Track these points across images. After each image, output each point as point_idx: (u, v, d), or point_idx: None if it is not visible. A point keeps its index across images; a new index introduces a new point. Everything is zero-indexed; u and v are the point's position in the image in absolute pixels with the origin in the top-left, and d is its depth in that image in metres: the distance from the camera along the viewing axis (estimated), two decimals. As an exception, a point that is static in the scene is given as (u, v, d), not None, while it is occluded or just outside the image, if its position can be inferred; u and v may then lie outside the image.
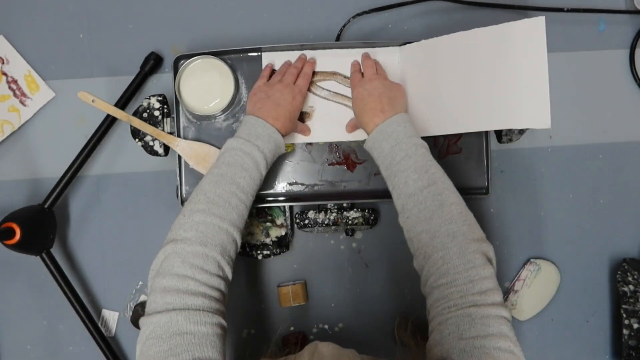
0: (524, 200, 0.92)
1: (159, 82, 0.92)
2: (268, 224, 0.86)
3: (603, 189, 0.92)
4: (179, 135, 0.80)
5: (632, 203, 0.92)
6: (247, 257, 0.86)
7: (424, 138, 0.67)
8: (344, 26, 0.88)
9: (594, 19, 0.93)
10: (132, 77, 0.88)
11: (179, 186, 0.80)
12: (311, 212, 0.83)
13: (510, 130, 0.80)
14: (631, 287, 0.87)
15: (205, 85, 0.78)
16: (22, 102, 0.92)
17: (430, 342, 0.54)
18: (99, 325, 0.87)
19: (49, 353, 0.91)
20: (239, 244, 0.63)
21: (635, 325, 0.86)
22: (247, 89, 0.80)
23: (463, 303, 0.52)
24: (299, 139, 0.80)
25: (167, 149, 0.81)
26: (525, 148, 0.92)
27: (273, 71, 0.78)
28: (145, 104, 0.80)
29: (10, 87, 0.92)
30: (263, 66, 0.79)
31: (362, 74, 0.76)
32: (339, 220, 0.82)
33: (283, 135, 0.70)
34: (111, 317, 0.91)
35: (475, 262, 0.55)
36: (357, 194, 0.80)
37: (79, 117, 0.92)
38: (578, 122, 0.93)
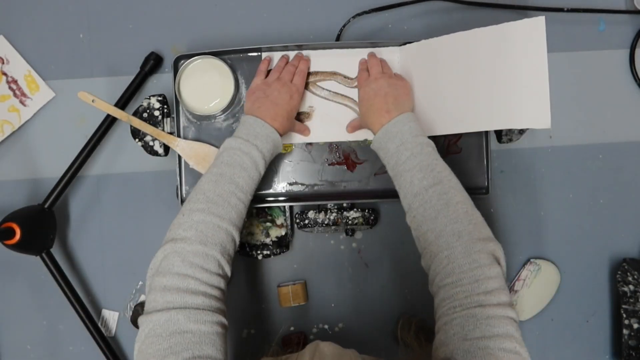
0: (524, 200, 0.92)
1: (159, 82, 0.92)
2: (268, 224, 0.86)
3: (603, 189, 0.92)
4: (179, 135, 0.80)
5: (632, 203, 0.92)
6: (247, 257, 0.86)
7: (424, 138, 0.67)
8: (344, 26, 0.88)
9: (594, 19, 0.93)
10: (132, 77, 0.88)
11: (179, 186, 0.80)
12: (311, 212, 0.83)
13: (510, 130, 0.80)
14: (631, 287, 0.87)
15: (205, 85, 0.78)
16: (22, 102, 0.92)
17: (436, 342, 0.54)
18: (99, 325, 0.87)
19: (49, 353, 0.91)
20: (238, 243, 0.63)
21: (635, 325, 0.86)
22: (247, 89, 0.80)
23: (468, 303, 0.52)
24: (299, 139, 0.80)
25: (167, 149, 0.81)
26: (525, 148, 0.92)
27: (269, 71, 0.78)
28: (145, 104, 0.80)
29: (10, 87, 0.92)
30: (262, 66, 0.79)
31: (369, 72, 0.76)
32: (339, 220, 0.82)
33: (281, 135, 0.70)
34: (111, 317, 0.91)
35: (481, 261, 0.54)
36: (357, 194, 0.80)
37: (79, 117, 0.92)
38: (578, 122, 0.93)
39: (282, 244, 0.85)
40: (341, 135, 0.80)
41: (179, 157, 0.79)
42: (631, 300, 0.87)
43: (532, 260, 0.90)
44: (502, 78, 0.67)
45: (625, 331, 0.86)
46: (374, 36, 0.92)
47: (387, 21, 0.92)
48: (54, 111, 0.92)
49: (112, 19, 0.93)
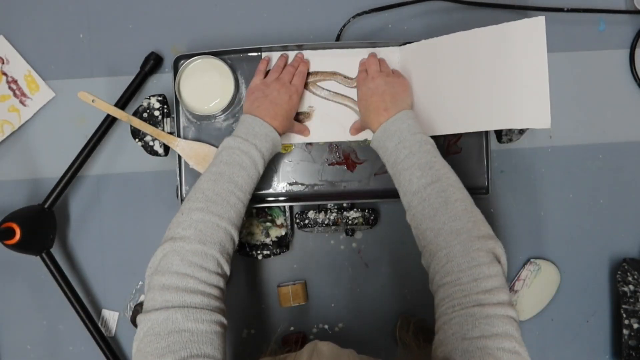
0: (524, 200, 0.92)
1: (159, 82, 0.92)
2: (268, 224, 0.86)
3: (603, 189, 0.92)
4: (179, 135, 0.80)
5: (632, 203, 0.92)
6: (247, 257, 0.86)
7: (425, 139, 0.67)
8: (344, 26, 0.88)
9: (594, 19, 0.93)
10: (132, 77, 0.88)
11: (179, 186, 0.80)
12: (311, 212, 0.83)
13: (510, 130, 0.80)
14: (631, 287, 0.87)
15: (205, 85, 0.78)
16: (22, 102, 0.92)
17: (435, 341, 0.53)
18: (99, 325, 0.87)
19: (49, 353, 0.92)
20: (237, 242, 0.63)
21: (635, 325, 0.86)
22: (247, 88, 0.80)
23: (467, 302, 0.52)
24: (299, 139, 0.80)
25: (167, 149, 0.81)
26: (525, 148, 0.92)
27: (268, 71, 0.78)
28: (145, 104, 0.80)
29: (10, 87, 0.92)
30: (262, 65, 0.79)
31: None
32: (339, 220, 0.82)
33: (280, 134, 0.70)
34: (111, 317, 0.91)
35: (480, 259, 0.54)
36: (357, 194, 0.80)
37: (79, 117, 0.92)
38: (578, 122, 0.93)
39: (282, 244, 0.85)
40: (341, 135, 0.80)
41: (179, 157, 0.79)
42: (631, 300, 0.87)
43: (532, 260, 0.90)
44: (502, 78, 0.67)
45: (625, 331, 0.86)
46: (374, 36, 0.92)
47: (387, 21, 0.92)
48: (54, 111, 0.92)
49: (112, 19, 0.93)
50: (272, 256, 0.85)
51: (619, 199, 0.92)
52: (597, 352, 0.92)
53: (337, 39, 0.88)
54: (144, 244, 0.91)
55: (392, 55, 0.79)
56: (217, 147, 0.79)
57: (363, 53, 0.79)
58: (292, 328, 0.91)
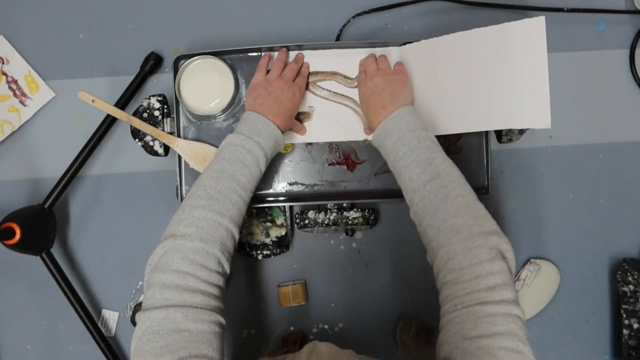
0: (524, 200, 0.92)
1: (159, 82, 0.92)
2: (268, 224, 0.86)
3: (603, 189, 0.92)
4: (179, 135, 0.80)
5: (632, 203, 0.92)
6: (247, 257, 0.86)
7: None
8: (344, 26, 0.88)
9: (594, 19, 0.93)
10: (132, 77, 0.88)
11: (179, 186, 0.80)
12: (311, 212, 0.83)
13: (510, 130, 0.80)
14: (631, 287, 0.87)
15: (205, 85, 0.78)
16: (22, 102, 0.92)
17: (438, 340, 0.53)
18: (99, 325, 0.87)
19: (49, 353, 0.91)
20: (237, 240, 0.63)
21: (635, 325, 0.86)
22: (247, 89, 0.80)
23: (469, 300, 0.51)
24: (300, 138, 0.80)
25: (167, 149, 0.81)
26: (525, 148, 0.92)
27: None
28: (145, 104, 0.80)
29: (10, 87, 0.92)
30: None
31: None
32: (339, 220, 0.82)
33: (282, 133, 0.70)
34: (111, 317, 0.91)
35: (482, 256, 0.52)
36: (357, 194, 0.80)
37: (79, 117, 0.92)
38: (578, 122, 0.93)
39: (282, 244, 0.85)
40: (341, 135, 0.80)
41: (179, 157, 0.79)
42: (631, 300, 0.87)
43: (532, 260, 0.90)
44: (502, 78, 0.67)
45: (625, 331, 0.86)
46: (374, 36, 0.92)
47: (387, 21, 0.92)
48: (54, 111, 0.92)
49: (112, 19, 0.92)
50: (272, 256, 0.85)
51: (619, 199, 0.92)
52: (597, 352, 0.92)
53: (337, 39, 0.88)
54: (144, 244, 0.91)
55: (392, 56, 0.79)
56: (217, 147, 0.79)
57: (363, 53, 0.79)
58: (292, 328, 0.91)
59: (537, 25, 0.63)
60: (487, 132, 0.80)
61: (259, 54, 0.79)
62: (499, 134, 0.81)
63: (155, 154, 0.81)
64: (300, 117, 0.79)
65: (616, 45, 0.93)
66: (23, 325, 0.91)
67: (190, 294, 0.53)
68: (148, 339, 0.50)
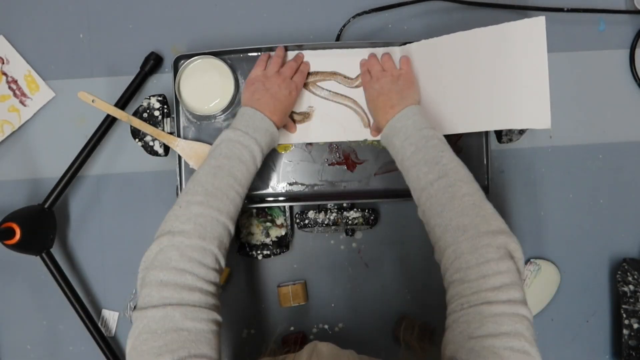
0: (524, 200, 0.92)
1: (159, 82, 0.92)
2: (268, 224, 0.86)
3: (603, 189, 0.92)
4: (179, 135, 0.80)
5: (632, 203, 0.92)
6: (247, 257, 0.86)
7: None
8: (344, 26, 0.88)
9: (594, 19, 0.93)
10: (132, 77, 0.88)
11: (179, 186, 0.80)
12: (311, 212, 0.83)
13: (510, 130, 0.80)
14: (631, 287, 0.87)
15: (205, 85, 0.78)
16: (22, 102, 0.92)
17: (444, 340, 0.53)
18: (99, 325, 0.87)
19: (49, 353, 0.91)
20: (233, 235, 0.63)
21: (635, 325, 0.86)
22: (247, 88, 0.80)
23: (475, 300, 0.50)
24: (299, 138, 0.79)
25: (167, 149, 0.81)
26: (525, 148, 0.92)
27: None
28: (145, 104, 0.80)
29: (10, 87, 0.92)
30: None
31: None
32: (339, 220, 0.82)
33: (277, 129, 0.70)
34: (111, 317, 0.91)
35: (488, 256, 0.52)
36: (357, 194, 0.80)
37: (79, 117, 0.92)
38: (578, 122, 0.93)
39: (282, 244, 0.85)
40: (341, 135, 0.80)
41: (179, 157, 0.79)
42: (631, 300, 0.87)
43: (532, 260, 0.90)
44: (502, 78, 0.67)
45: (625, 331, 0.86)
46: (374, 36, 0.92)
47: (387, 21, 0.92)
48: (54, 111, 0.92)
49: (112, 19, 0.92)
50: (272, 256, 0.85)
51: (619, 199, 0.92)
52: (597, 352, 0.92)
53: (337, 39, 0.88)
54: (144, 244, 0.90)
55: (392, 56, 0.79)
56: (217, 147, 0.79)
57: (363, 53, 0.79)
58: (292, 328, 0.91)
59: (537, 25, 0.63)
60: (487, 132, 0.80)
61: (259, 54, 0.79)
62: (499, 134, 0.81)
63: (155, 154, 0.81)
64: (300, 117, 0.79)
65: (616, 45, 0.93)
66: (23, 325, 0.91)
67: (188, 292, 0.53)
68: (146, 338, 0.49)
